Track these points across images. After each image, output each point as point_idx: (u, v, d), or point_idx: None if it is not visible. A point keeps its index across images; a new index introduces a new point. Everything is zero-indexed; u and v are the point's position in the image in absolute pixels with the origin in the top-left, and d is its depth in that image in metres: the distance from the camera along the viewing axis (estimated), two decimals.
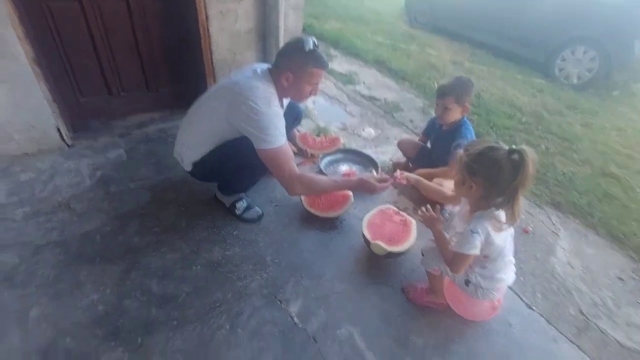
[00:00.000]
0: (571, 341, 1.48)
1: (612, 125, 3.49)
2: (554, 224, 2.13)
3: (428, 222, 1.43)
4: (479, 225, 1.18)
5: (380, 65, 4.22)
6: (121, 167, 2.14)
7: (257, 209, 1.88)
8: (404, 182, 1.64)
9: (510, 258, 1.32)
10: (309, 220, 1.88)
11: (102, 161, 2.17)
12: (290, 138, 2.18)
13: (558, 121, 3.40)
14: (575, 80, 4.43)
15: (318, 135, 2.40)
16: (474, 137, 1.96)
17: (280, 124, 1.52)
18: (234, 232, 1.78)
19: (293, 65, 1.53)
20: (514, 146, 1.09)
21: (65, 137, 2.20)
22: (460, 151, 1.21)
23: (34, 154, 2.13)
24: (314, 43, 1.53)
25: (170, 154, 1.88)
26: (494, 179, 1.12)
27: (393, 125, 3.02)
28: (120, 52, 2.36)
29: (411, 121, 3.10)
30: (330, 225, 1.88)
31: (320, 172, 2.24)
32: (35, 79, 1.93)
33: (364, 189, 1.63)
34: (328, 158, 2.36)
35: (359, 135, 2.85)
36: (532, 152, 1.07)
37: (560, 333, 1.50)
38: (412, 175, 1.65)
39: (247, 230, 1.80)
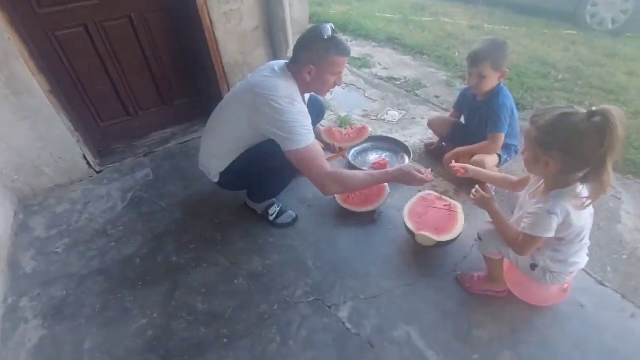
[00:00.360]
0: None
1: None
2: (613, 188, 1.93)
3: (482, 204, 1.31)
4: (557, 205, 1.04)
5: (394, 43, 4.01)
6: (150, 187, 2.14)
7: (291, 212, 1.81)
8: (461, 172, 1.46)
9: (587, 240, 1.17)
10: (345, 217, 1.80)
11: (131, 183, 2.18)
12: (315, 134, 2.09)
13: (598, 72, 3.09)
14: (610, 26, 4.03)
15: (344, 127, 2.28)
16: (513, 104, 1.79)
17: (307, 121, 1.44)
18: (271, 240, 1.72)
19: (314, 57, 1.43)
20: (593, 108, 0.94)
21: (92, 164, 2.22)
22: (527, 125, 1.07)
23: (66, 184, 2.16)
24: (332, 29, 1.42)
25: (194, 167, 1.85)
26: (576, 151, 0.96)
27: (418, 104, 2.85)
28: (131, 71, 2.34)
29: (437, 97, 2.92)
30: (368, 219, 1.79)
31: (349, 164, 2.14)
32: (54, 111, 1.94)
33: (404, 181, 1.48)
34: (355, 148, 2.26)
35: (383, 120, 2.71)
36: (618, 110, 0.91)
37: (638, 307, 1.34)
38: (469, 166, 1.47)
39: (283, 236, 1.74)
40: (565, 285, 1.31)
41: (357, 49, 3.96)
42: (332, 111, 2.79)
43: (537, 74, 3.08)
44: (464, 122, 2.09)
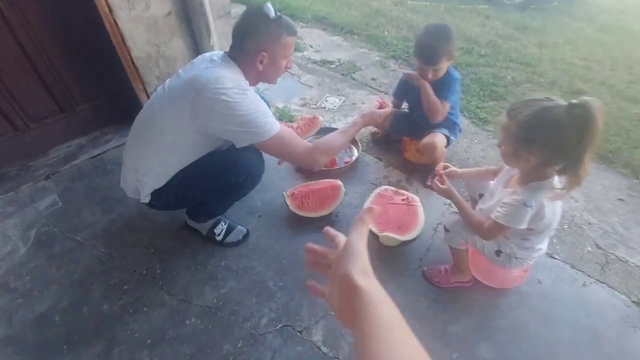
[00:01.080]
0: (599, 280, 1.44)
1: (564, 40, 3.48)
2: None
3: (444, 194, 1.28)
4: (533, 198, 1.02)
5: (322, 22, 3.84)
6: (59, 218, 1.75)
7: (240, 227, 1.61)
8: (444, 182, 1.34)
9: (553, 228, 1.20)
10: (301, 223, 1.66)
11: (32, 216, 1.76)
12: None
13: (514, 46, 3.31)
14: (516, 0, 4.35)
15: (292, 121, 2.09)
16: (458, 76, 1.76)
17: (264, 107, 1.26)
18: (222, 263, 1.52)
19: (265, 42, 1.24)
20: (573, 100, 0.90)
21: None
22: (504, 119, 1.01)
23: None
24: (269, 5, 1.23)
25: (114, 185, 1.55)
26: (556, 144, 0.93)
27: (356, 89, 2.76)
28: (9, 75, 1.84)
29: (373, 79, 2.86)
30: (325, 223, 1.67)
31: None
32: None
33: (373, 123, 1.59)
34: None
35: (324, 108, 2.58)
36: (597, 102, 0.88)
37: (587, 275, 1.46)
38: (452, 170, 1.40)
39: (236, 257, 1.54)
40: (526, 266, 1.35)
41: None
42: (267, 103, 2.57)
43: (462, 50, 3.19)
44: (407, 109, 2.04)
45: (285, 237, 1.62)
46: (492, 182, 1.33)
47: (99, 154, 2.14)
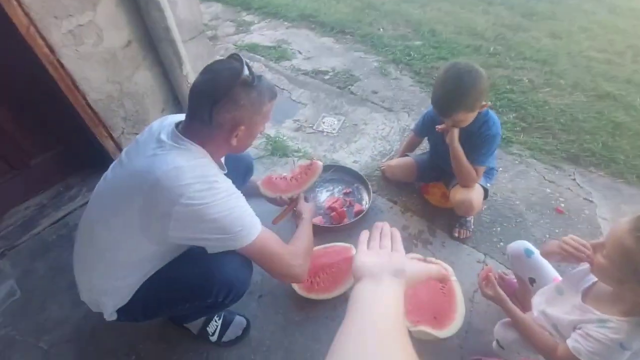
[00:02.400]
0: None
1: (577, 27, 3.16)
2: (581, 187, 1.81)
3: (495, 301, 1.01)
4: (635, 338, 0.75)
5: (310, 21, 3.43)
6: (18, 314, 1.44)
7: (238, 317, 1.34)
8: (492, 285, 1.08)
9: None
10: (311, 305, 1.38)
11: None
12: (249, 190, 1.56)
13: (525, 39, 2.98)
14: None
15: (290, 170, 1.74)
16: (499, 131, 1.44)
17: (239, 203, 0.94)
18: None
19: (244, 114, 0.92)
20: None
21: None
22: (623, 233, 0.73)
23: None
24: (246, 64, 0.90)
25: None
26: None
27: (356, 105, 2.43)
28: None
29: (375, 92, 2.53)
30: (339, 303, 1.39)
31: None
32: None
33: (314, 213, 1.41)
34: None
35: (321, 132, 2.26)
36: None
37: None
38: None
39: (237, 358, 1.27)
40: None
41: (268, 32, 3.31)
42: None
43: (469, 49, 2.85)
44: (430, 150, 1.72)
45: (294, 327, 1.34)
46: (553, 274, 1.06)
47: (63, 216, 1.81)
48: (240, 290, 1.05)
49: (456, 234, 1.58)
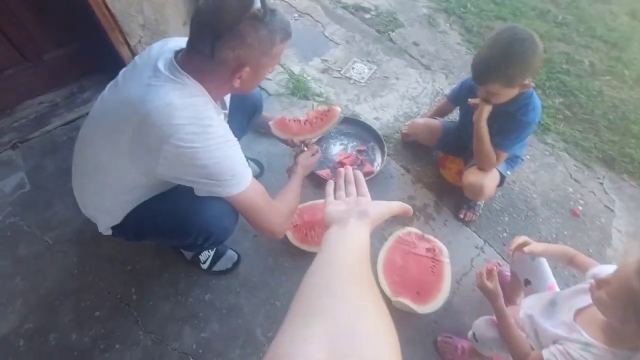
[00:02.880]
0: None
1: None
2: (607, 193, 1.70)
3: (486, 293, 1.00)
4: None
5: None
6: (27, 207, 1.51)
7: (231, 251, 1.38)
8: (492, 278, 1.04)
9: None
10: (301, 255, 1.41)
11: None
12: (262, 127, 1.49)
13: (600, 12, 2.58)
14: None
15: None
16: (536, 119, 1.28)
17: (233, 148, 0.89)
18: (206, 297, 1.32)
19: (250, 54, 0.82)
20: None
21: None
22: (629, 272, 0.67)
23: None
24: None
25: None
26: None
27: (392, 55, 2.22)
28: None
29: (416, 44, 2.29)
30: None
31: None
32: None
33: (309, 171, 1.29)
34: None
35: (349, 78, 2.11)
36: None
37: None
38: (531, 248, 1.06)
39: (223, 290, 1.34)
40: None
41: None
42: (280, 66, 2.09)
43: (535, 12, 2.50)
44: (458, 119, 1.59)
45: (282, 271, 1.39)
46: (551, 280, 1.03)
47: (75, 119, 1.81)
48: (221, 236, 1.04)
49: (461, 215, 1.53)
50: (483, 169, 1.36)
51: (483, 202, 1.55)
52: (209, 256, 1.34)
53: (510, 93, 1.19)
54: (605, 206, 1.65)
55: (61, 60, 1.81)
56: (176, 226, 0.98)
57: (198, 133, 0.81)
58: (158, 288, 1.33)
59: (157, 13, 1.72)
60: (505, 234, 1.52)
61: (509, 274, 1.31)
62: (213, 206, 0.96)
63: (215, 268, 1.35)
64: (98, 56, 1.86)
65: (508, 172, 1.45)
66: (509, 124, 1.27)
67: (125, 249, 1.41)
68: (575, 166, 1.78)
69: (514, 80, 1.13)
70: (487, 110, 1.25)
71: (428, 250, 1.31)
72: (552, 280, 1.11)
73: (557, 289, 1.09)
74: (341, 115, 1.41)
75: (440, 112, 1.70)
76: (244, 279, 1.36)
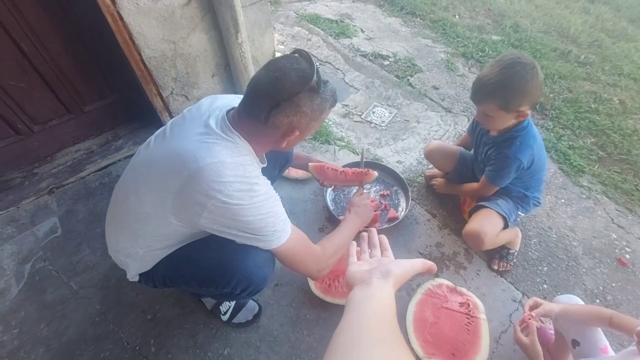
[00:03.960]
0: None
1: None
2: None
3: (527, 352, 0.91)
4: None
5: None
6: (57, 251, 1.55)
7: (252, 302, 1.34)
8: (529, 331, 1.01)
9: None
10: (324, 306, 1.34)
11: (30, 244, 1.58)
12: (296, 163, 1.54)
13: (625, 50, 2.56)
14: None
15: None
16: (537, 152, 1.25)
17: (276, 207, 0.92)
18: (225, 352, 1.26)
19: (302, 119, 0.87)
20: None
21: None
22: None
23: None
24: (317, 69, 0.83)
25: None
26: None
27: (411, 99, 2.25)
28: (5, 75, 1.58)
29: (435, 88, 2.32)
30: None
31: (327, 209, 1.62)
32: None
33: (365, 220, 1.28)
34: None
35: (369, 122, 2.13)
36: None
37: None
38: (546, 310, 1.02)
39: (242, 344, 1.28)
40: None
41: (333, 4, 3.12)
42: None
43: (555, 53, 2.50)
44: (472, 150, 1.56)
45: (303, 323, 1.32)
46: (603, 342, 0.92)
47: (107, 165, 1.89)
48: (259, 286, 1.02)
49: (495, 266, 1.44)
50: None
51: (517, 250, 1.46)
52: (230, 307, 1.30)
53: (505, 119, 1.17)
54: None
55: (100, 111, 1.95)
56: (217, 274, 0.98)
57: (245, 191, 0.85)
58: (177, 339, 1.29)
59: (189, 67, 1.85)
60: (545, 286, 1.41)
61: (553, 332, 1.18)
62: (253, 256, 0.97)
63: (236, 320, 1.30)
64: (132, 106, 1.99)
65: (520, 214, 1.38)
66: (495, 155, 1.27)
67: (147, 296, 1.40)
68: (617, 210, 1.66)
69: (510, 104, 1.12)
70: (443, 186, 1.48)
71: (461, 304, 1.22)
72: (604, 341, 0.99)
73: (611, 352, 0.97)
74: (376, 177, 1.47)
75: (462, 144, 1.67)
76: (265, 332, 1.30)
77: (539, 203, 1.43)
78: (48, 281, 1.46)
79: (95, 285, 1.44)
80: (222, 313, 1.30)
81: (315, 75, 0.82)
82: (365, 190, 1.51)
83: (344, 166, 1.52)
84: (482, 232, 1.27)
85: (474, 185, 1.43)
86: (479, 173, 1.44)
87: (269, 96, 0.82)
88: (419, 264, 0.60)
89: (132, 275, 1.09)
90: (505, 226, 1.35)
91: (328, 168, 1.47)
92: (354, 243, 0.71)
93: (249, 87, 0.87)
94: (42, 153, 1.90)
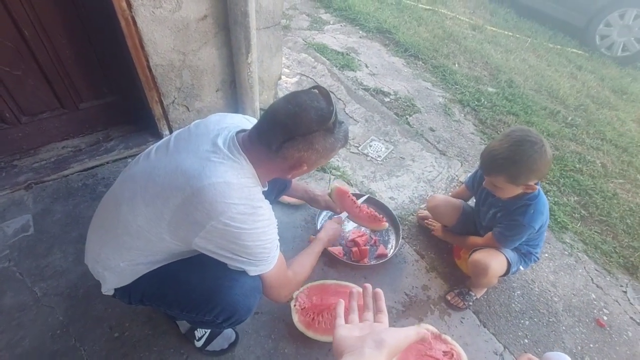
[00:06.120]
0: None
1: None
2: (631, 303, 1.60)
3: None
4: None
5: (385, 36, 3.32)
6: (25, 251, 1.45)
7: (229, 330, 1.27)
8: None
9: None
10: (305, 341, 1.28)
11: None
12: (293, 192, 1.53)
13: (608, 118, 2.73)
14: (619, 52, 3.64)
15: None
16: (546, 218, 1.30)
17: (274, 232, 0.92)
18: None
19: (313, 155, 0.86)
20: None
21: None
22: None
23: None
24: (335, 110, 0.83)
25: None
26: None
27: (408, 138, 2.30)
28: (1, 60, 1.53)
29: (432, 130, 2.38)
30: None
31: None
32: None
33: (334, 240, 1.40)
34: (329, 213, 1.70)
35: (365, 155, 2.15)
36: None
37: None
38: None
39: None
40: None
41: (341, 37, 3.23)
42: None
43: (545, 112, 2.64)
44: (474, 206, 1.58)
45: (282, 358, 1.25)
46: None
47: (94, 167, 1.82)
48: (242, 317, 0.97)
49: (449, 297, 1.46)
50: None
51: (478, 296, 1.47)
52: (205, 333, 1.23)
53: (514, 190, 1.21)
54: (631, 318, 1.54)
55: (95, 109, 1.89)
56: (200, 300, 0.92)
57: (249, 214, 0.83)
58: None
59: (195, 79, 1.84)
60: (526, 340, 1.40)
61: None
62: (243, 283, 0.93)
63: (210, 347, 1.23)
64: (129, 110, 1.95)
65: (521, 267, 1.41)
66: (506, 221, 1.30)
67: (117, 311, 1.30)
68: (596, 270, 1.70)
69: (518, 179, 1.16)
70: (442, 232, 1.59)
71: (445, 353, 1.19)
72: None
73: None
74: (386, 227, 1.56)
75: (458, 197, 1.69)
76: None
77: (538, 259, 1.46)
78: (9, 284, 1.35)
79: (61, 293, 1.34)
80: (197, 338, 1.22)
81: (333, 116, 0.82)
82: (343, 219, 1.53)
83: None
84: (489, 264, 1.29)
85: (478, 240, 1.44)
86: (481, 229, 1.47)
87: (285, 129, 0.82)
88: (413, 333, 0.57)
89: (107, 289, 1.03)
90: (506, 273, 1.37)
91: (349, 197, 1.49)
92: (342, 302, 0.67)
93: (266, 116, 0.86)
94: (25, 145, 1.81)
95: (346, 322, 0.62)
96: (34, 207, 1.61)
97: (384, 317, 0.61)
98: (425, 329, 1.25)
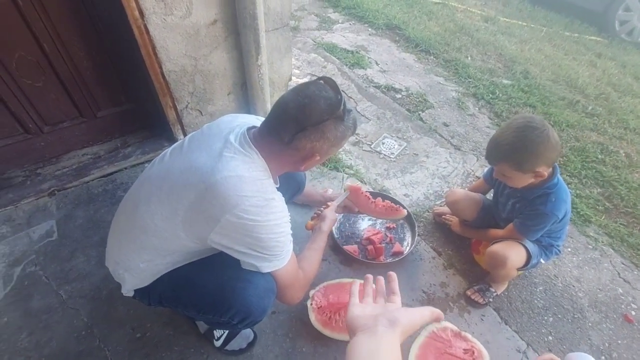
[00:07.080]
0: None
1: None
2: None
3: None
4: None
5: (395, 32, 3.29)
6: (49, 256, 1.50)
7: (247, 330, 1.28)
8: None
9: None
10: (322, 339, 1.29)
11: (24, 246, 1.53)
12: (305, 197, 1.56)
13: (631, 105, 2.62)
14: None
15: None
16: (569, 207, 1.26)
17: (288, 225, 0.93)
18: None
19: (324, 145, 0.88)
20: None
21: None
22: None
23: None
24: (344, 99, 0.84)
25: None
26: None
27: (421, 134, 2.27)
28: (23, 74, 1.59)
29: (446, 125, 2.35)
30: None
31: (333, 238, 1.59)
32: None
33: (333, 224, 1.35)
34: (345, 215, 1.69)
35: (378, 153, 2.14)
36: None
37: None
38: None
39: None
40: None
41: (350, 35, 3.21)
42: None
43: (564, 102, 2.55)
44: (492, 199, 1.55)
45: (300, 357, 1.26)
46: None
47: (113, 173, 1.87)
48: (257, 318, 0.98)
49: (468, 292, 1.43)
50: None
51: (498, 292, 1.43)
52: (224, 332, 1.25)
53: (523, 178, 1.18)
54: None
55: (112, 117, 1.95)
56: (216, 301, 0.94)
57: (262, 206, 0.84)
58: None
59: (207, 83, 1.87)
60: (550, 337, 1.36)
61: None
62: (257, 285, 0.94)
63: (229, 347, 1.24)
64: (145, 116, 2.00)
65: (542, 261, 1.36)
66: (527, 211, 1.27)
67: (139, 312, 1.34)
68: (623, 264, 1.64)
69: (523, 165, 1.13)
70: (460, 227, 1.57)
71: (466, 351, 1.17)
72: None
73: None
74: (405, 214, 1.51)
75: (476, 190, 1.66)
76: None
77: (560, 252, 1.41)
78: (36, 287, 1.41)
79: (85, 295, 1.39)
80: (216, 338, 1.24)
81: (342, 104, 0.83)
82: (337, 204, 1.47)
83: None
84: (508, 256, 1.26)
85: (499, 231, 1.40)
86: (501, 221, 1.44)
87: (297, 121, 0.83)
88: (427, 313, 0.57)
89: (127, 290, 1.05)
90: (525, 265, 1.33)
91: (362, 193, 1.46)
92: (357, 281, 0.68)
93: (276, 109, 0.88)
94: (47, 154, 1.88)
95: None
96: (58, 213, 1.67)
97: (397, 299, 0.60)
98: (444, 326, 1.24)
